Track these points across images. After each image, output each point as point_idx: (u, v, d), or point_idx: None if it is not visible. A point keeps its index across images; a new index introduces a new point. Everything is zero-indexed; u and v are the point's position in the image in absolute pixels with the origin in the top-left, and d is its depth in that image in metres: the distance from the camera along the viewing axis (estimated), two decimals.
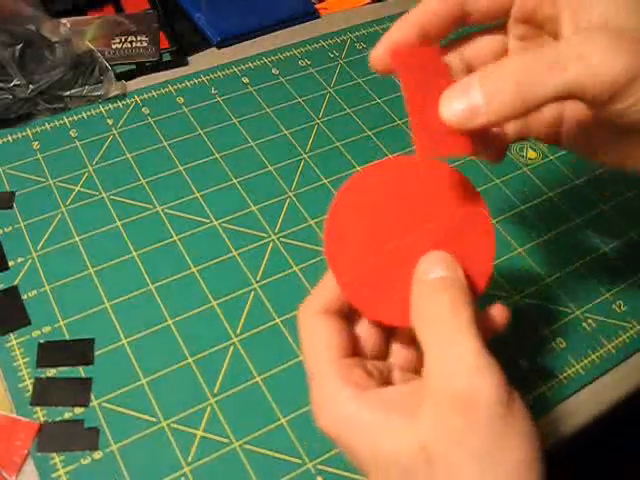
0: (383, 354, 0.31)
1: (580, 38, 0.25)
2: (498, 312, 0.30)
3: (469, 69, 0.32)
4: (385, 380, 0.29)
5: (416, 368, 0.30)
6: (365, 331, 0.30)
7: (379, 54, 0.30)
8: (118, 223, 0.46)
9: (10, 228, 0.45)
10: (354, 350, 0.29)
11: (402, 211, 0.29)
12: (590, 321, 0.44)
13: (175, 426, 0.37)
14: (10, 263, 0.43)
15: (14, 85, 0.49)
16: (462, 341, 0.25)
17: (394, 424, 0.25)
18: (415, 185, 0.29)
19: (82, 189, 0.48)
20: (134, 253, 0.45)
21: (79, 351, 0.40)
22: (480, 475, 0.24)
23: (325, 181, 0.50)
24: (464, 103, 0.26)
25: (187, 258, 0.45)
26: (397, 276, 0.28)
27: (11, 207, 0.46)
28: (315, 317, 0.29)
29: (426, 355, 0.26)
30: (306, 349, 0.29)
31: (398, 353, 0.31)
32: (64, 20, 0.55)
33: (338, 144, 0.53)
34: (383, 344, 0.30)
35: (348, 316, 0.30)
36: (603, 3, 0.27)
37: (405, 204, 0.29)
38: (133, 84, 0.56)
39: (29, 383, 0.38)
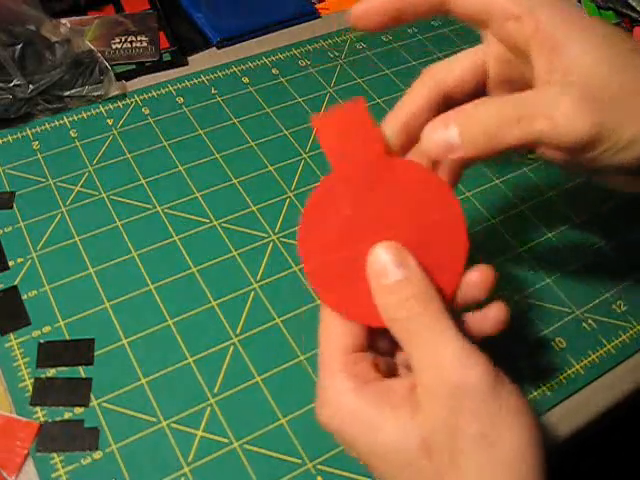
0: (394, 350, 0.31)
1: (550, 93, 0.27)
2: (495, 313, 0.30)
3: (447, 96, 0.32)
4: (393, 375, 0.29)
5: None
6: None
7: (358, 12, 0.31)
8: (118, 223, 0.46)
9: (10, 228, 0.45)
10: (369, 345, 0.29)
11: (377, 211, 0.29)
12: (590, 321, 0.44)
13: (175, 426, 0.37)
14: (10, 263, 0.43)
15: (14, 85, 0.49)
16: (442, 344, 0.26)
17: (392, 415, 0.26)
18: (394, 185, 0.29)
19: (82, 189, 0.48)
20: (134, 253, 0.45)
21: (79, 351, 0.40)
22: (477, 464, 0.24)
23: None
24: (443, 138, 0.28)
25: (187, 258, 0.45)
26: (364, 277, 0.28)
27: (11, 207, 0.46)
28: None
29: (411, 359, 0.27)
30: (320, 341, 0.29)
31: (400, 352, 0.31)
32: (64, 20, 0.55)
33: None
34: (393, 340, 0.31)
35: None
36: (578, 51, 0.28)
37: (381, 204, 0.29)
38: (133, 84, 0.56)
39: (29, 383, 0.38)
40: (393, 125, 0.31)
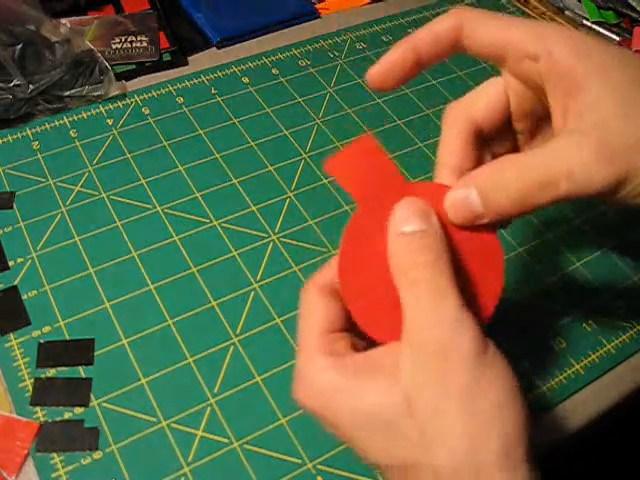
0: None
1: (567, 148, 0.27)
2: None
3: (478, 129, 0.32)
4: None
5: None
6: None
7: (374, 74, 0.31)
8: (118, 223, 0.46)
9: (10, 228, 0.45)
10: (347, 326, 0.29)
11: None
12: (590, 321, 0.44)
13: (175, 426, 0.37)
14: (10, 263, 0.43)
15: (14, 85, 0.49)
16: (442, 298, 0.26)
17: (372, 382, 0.26)
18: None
19: (82, 189, 0.48)
20: (134, 253, 0.45)
21: (79, 351, 0.40)
22: (462, 413, 0.25)
23: (325, 181, 0.50)
24: (465, 208, 0.28)
25: (187, 258, 0.45)
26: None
27: (11, 207, 0.46)
28: (313, 291, 0.29)
29: (406, 309, 0.27)
30: (300, 321, 0.29)
31: None
32: (64, 20, 0.55)
33: (338, 144, 0.53)
34: None
35: None
36: (594, 95, 0.27)
37: None
38: (133, 84, 0.56)
39: (29, 383, 0.38)
40: (445, 176, 0.31)
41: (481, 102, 0.32)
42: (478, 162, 0.32)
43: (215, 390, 0.39)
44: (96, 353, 0.40)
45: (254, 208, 0.48)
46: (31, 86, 0.49)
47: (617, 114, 0.27)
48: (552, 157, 0.27)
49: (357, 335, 0.30)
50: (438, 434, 0.25)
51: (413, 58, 0.31)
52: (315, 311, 0.29)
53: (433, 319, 0.26)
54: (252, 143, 0.52)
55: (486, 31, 0.30)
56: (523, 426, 0.25)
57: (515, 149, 0.34)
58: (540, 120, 0.32)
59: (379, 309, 0.28)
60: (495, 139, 0.33)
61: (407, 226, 0.27)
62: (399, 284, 0.27)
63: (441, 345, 0.25)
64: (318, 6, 0.65)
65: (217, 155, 0.51)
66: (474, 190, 0.28)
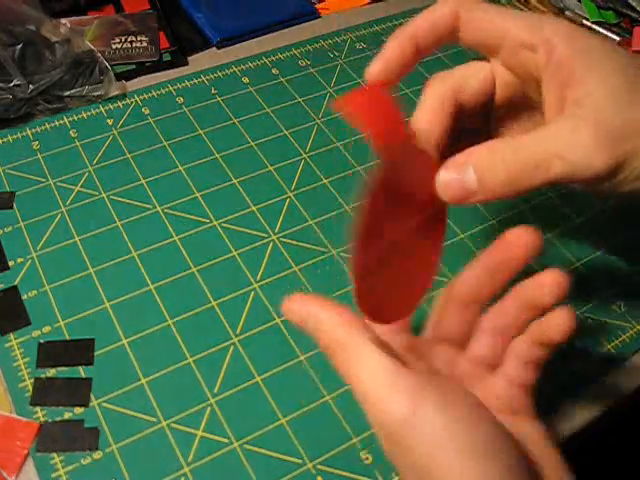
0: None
1: (563, 131, 0.27)
2: (558, 320, 0.29)
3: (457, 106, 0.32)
4: None
5: None
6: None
7: (374, 71, 0.31)
8: (118, 223, 0.46)
9: (10, 228, 0.45)
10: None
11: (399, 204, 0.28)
12: (590, 321, 0.44)
13: (175, 426, 0.37)
14: (10, 263, 0.43)
15: (14, 85, 0.49)
16: (366, 366, 0.26)
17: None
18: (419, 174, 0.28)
19: (82, 189, 0.48)
20: (134, 253, 0.45)
21: (79, 351, 0.40)
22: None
23: (325, 181, 0.50)
24: (460, 185, 0.28)
25: (187, 258, 0.45)
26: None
27: (11, 207, 0.46)
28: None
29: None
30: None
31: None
32: (64, 20, 0.55)
33: (338, 144, 0.53)
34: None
35: None
36: (592, 84, 0.28)
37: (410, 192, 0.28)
38: (133, 84, 0.56)
39: (29, 383, 0.38)
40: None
41: (470, 82, 0.32)
42: (450, 139, 0.32)
43: (215, 390, 0.39)
44: (96, 353, 0.40)
45: (254, 208, 0.48)
46: (31, 86, 0.49)
47: (614, 102, 0.27)
48: (550, 139, 0.27)
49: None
50: None
51: (411, 49, 0.31)
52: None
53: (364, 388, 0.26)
54: (252, 143, 0.52)
55: (483, 19, 0.30)
56: (458, 462, 0.25)
57: (483, 135, 0.34)
58: (518, 109, 0.33)
59: (382, 291, 0.28)
60: (469, 120, 0.33)
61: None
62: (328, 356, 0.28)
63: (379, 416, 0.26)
64: (318, 6, 0.65)
65: (217, 155, 0.51)
66: (471, 168, 0.28)
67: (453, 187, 0.28)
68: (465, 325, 0.31)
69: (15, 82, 0.49)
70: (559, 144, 0.27)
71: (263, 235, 0.47)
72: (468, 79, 0.32)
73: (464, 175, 0.28)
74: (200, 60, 0.59)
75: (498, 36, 0.30)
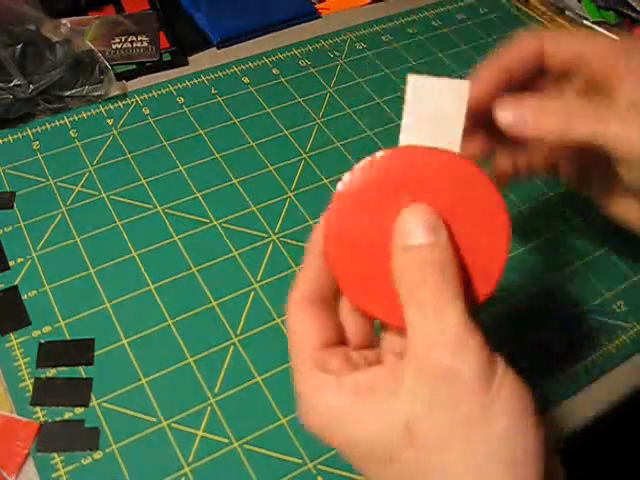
0: (372, 342, 0.29)
1: (630, 113, 0.31)
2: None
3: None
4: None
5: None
6: (349, 320, 0.29)
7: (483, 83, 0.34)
8: (118, 223, 0.46)
9: (10, 228, 0.45)
10: (339, 339, 0.28)
11: (403, 204, 0.27)
12: (590, 321, 0.44)
13: (175, 426, 0.37)
14: (10, 263, 0.43)
15: (14, 85, 0.49)
16: (447, 316, 0.24)
17: (372, 406, 0.25)
18: (425, 175, 0.27)
19: (82, 189, 0.48)
20: (134, 253, 0.45)
21: (79, 351, 0.40)
22: (465, 446, 0.23)
23: (325, 181, 0.50)
24: (517, 113, 0.31)
25: (187, 258, 0.45)
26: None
27: (11, 207, 0.46)
28: (295, 308, 0.28)
29: (411, 329, 0.25)
30: (289, 341, 0.28)
31: (390, 338, 0.29)
32: (64, 20, 0.55)
33: (338, 144, 0.53)
34: (370, 332, 0.29)
35: (332, 304, 0.29)
36: None
37: (410, 194, 0.27)
38: (133, 84, 0.56)
39: (29, 383, 0.38)
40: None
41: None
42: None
43: (215, 390, 0.39)
44: (96, 353, 0.40)
45: (254, 208, 0.48)
46: (31, 86, 0.49)
47: None
48: (611, 113, 0.31)
49: (355, 346, 0.28)
50: (438, 470, 0.24)
51: (506, 80, 0.34)
52: (302, 328, 0.27)
53: (436, 341, 0.24)
54: (252, 143, 0.52)
55: (565, 47, 0.34)
56: (535, 449, 0.24)
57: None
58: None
59: (375, 287, 0.27)
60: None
61: (412, 239, 0.26)
62: (403, 298, 0.26)
63: (445, 371, 0.24)
64: (318, 6, 0.65)
65: (217, 155, 0.51)
66: (530, 106, 0.31)
67: (509, 115, 0.31)
68: None
69: (15, 82, 0.49)
70: (624, 120, 0.31)
71: (263, 235, 0.47)
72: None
73: (524, 108, 0.31)
74: (200, 60, 0.59)
75: (579, 63, 0.34)
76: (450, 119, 0.28)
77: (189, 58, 0.59)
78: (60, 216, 0.46)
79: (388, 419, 0.24)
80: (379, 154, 0.27)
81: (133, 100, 0.54)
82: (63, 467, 0.36)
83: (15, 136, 0.51)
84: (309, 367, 0.27)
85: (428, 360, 0.24)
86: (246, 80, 0.57)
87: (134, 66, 0.57)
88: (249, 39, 0.61)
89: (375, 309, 0.27)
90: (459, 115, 0.28)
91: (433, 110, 0.28)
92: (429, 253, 0.26)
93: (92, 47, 0.54)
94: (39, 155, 0.50)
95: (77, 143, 0.51)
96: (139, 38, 0.58)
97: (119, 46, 0.57)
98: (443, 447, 0.23)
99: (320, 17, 0.65)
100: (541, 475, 0.24)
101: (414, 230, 0.26)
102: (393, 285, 0.27)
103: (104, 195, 0.48)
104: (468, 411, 0.23)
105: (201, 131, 0.53)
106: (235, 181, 0.50)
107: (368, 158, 0.27)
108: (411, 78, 0.28)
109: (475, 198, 0.27)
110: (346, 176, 0.27)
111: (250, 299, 0.43)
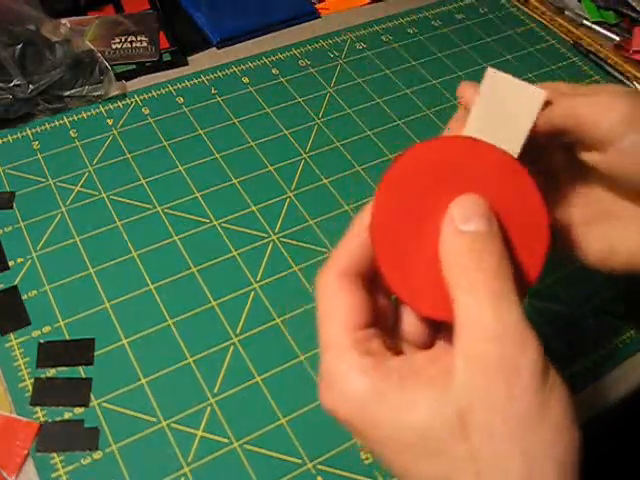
0: (391, 329, 0.28)
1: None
2: None
3: None
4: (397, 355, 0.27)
5: (426, 344, 0.28)
6: (386, 302, 0.28)
7: None
8: (118, 223, 0.46)
9: (10, 228, 0.45)
10: (374, 320, 0.26)
11: (450, 194, 0.26)
12: (590, 321, 0.44)
13: (175, 426, 0.37)
14: (10, 263, 0.43)
15: (14, 85, 0.49)
16: (506, 308, 0.23)
17: (421, 393, 0.23)
18: (479, 169, 0.27)
19: (82, 189, 0.48)
20: (134, 253, 0.45)
21: (79, 351, 0.40)
22: (520, 442, 0.22)
23: (325, 181, 0.50)
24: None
25: (187, 258, 0.45)
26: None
27: (11, 207, 0.46)
28: (333, 279, 0.26)
29: (464, 314, 0.24)
30: (323, 315, 0.26)
31: (411, 327, 0.28)
32: (64, 20, 0.55)
33: (338, 144, 0.53)
34: (391, 319, 0.28)
35: (371, 282, 0.27)
36: None
37: (455, 188, 0.27)
38: (133, 84, 0.56)
39: (29, 383, 0.38)
40: None
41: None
42: None
43: (215, 390, 0.39)
44: (96, 353, 0.40)
45: (254, 208, 0.48)
46: (31, 86, 0.49)
47: None
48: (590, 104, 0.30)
49: (386, 332, 0.27)
50: (492, 464, 0.22)
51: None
52: (339, 303, 0.25)
53: (496, 331, 0.23)
54: (252, 143, 0.52)
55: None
56: (577, 451, 0.24)
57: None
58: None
59: (423, 281, 0.26)
60: None
61: (468, 225, 0.25)
62: (454, 283, 0.25)
63: (504, 362, 0.23)
64: (318, 6, 0.65)
65: (217, 155, 0.51)
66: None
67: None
68: None
69: (15, 82, 0.49)
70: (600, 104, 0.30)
71: (263, 235, 0.47)
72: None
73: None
74: (200, 60, 0.59)
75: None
76: (518, 122, 0.28)
77: (189, 58, 0.59)
78: (60, 216, 0.46)
79: (439, 409, 0.23)
80: (437, 139, 0.27)
81: (133, 100, 0.54)
82: (63, 467, 0.36)
83: (15, 136, 0.51)
84: (346, 347, 0.25)
85: (486, 350, 0.23)
86: (246, 80, 0.57)
87: (134, 66, 0.57)
88: (249, 39, 0.61)
89: (405, 293, 0.26)
90: (527, 121, 0.28)
91: (504, 109, 0.28)
92: (488, 239, 0.25)
93: (92, 47, 0.54)
94: (39, 155, 0.50)
95: (77, 143, 0.51)
96: (139, 38, 0.58)
97: (119, 46, 0.57)
98: (496, 444, 0.22)
99: (320, 17, 0.65)
100: (579, 476, 0.24)
101: (472, 215, 0.25)
102: (431, 272, 0.26)
103: (104, 195, 0.48)
104: (525, 407, 0.23)
105: (201, 131, 0.53)
106: (235, 181, 0.50)
107: (426, 141, 0.27)
108: (490, 72, 0.28)
109: (521, 204, 0.27)
110: (400, 157, 0.26)
111: (250, 299, 0.43)
